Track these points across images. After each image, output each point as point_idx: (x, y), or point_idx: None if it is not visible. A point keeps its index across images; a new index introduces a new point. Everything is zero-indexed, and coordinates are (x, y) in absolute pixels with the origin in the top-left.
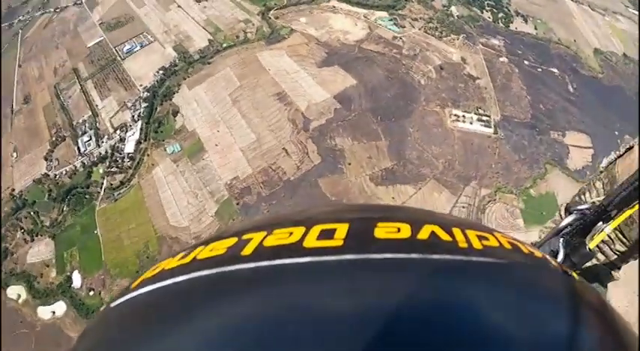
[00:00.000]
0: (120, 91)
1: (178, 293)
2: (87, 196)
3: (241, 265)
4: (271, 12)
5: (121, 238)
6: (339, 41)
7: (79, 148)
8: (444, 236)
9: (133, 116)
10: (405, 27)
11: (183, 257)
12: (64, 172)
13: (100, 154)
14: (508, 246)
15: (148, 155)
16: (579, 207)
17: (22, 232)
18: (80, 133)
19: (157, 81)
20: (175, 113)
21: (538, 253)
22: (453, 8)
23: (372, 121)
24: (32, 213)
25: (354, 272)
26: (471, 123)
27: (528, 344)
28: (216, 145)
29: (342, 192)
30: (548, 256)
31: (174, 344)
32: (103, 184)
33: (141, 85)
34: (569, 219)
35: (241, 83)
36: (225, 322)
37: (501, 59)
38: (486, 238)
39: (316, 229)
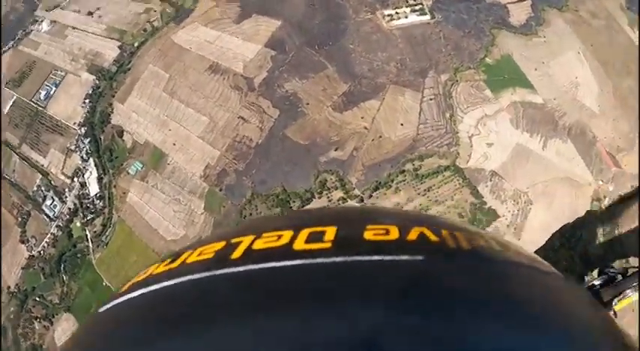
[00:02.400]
0: (57, 139)
1: (168, 297)
2: (79, 256)
3: (231, 268)
4: None
5: (130, 276)
6: None
7: (47, 215)
8: (433, 237)
9: (82, 157)
10: None
11: (171, 262)
12: (45, 245)
13: (70, 209)
14: (497, 246)
15: (115, 186)
16: (612, 270)
17: (39, 321)
18: (41, 200)
19: (87, 111)
20: (120, 133)
21: (527, 253)
22: None
23: (312, 54)
24: (38, 298)
25: (343, 274)
26: (406, 17)
27: (515, 343)
28: (174, 144)
29: (312, 133)
30: (537, 257)
31: (164, 348)
32: (87, 236)
33: (74, 123)
34: (600, 279)
35: (170, 74)
36: (216, 324)
37: None
38: (475, 239)
39: (305, 232)
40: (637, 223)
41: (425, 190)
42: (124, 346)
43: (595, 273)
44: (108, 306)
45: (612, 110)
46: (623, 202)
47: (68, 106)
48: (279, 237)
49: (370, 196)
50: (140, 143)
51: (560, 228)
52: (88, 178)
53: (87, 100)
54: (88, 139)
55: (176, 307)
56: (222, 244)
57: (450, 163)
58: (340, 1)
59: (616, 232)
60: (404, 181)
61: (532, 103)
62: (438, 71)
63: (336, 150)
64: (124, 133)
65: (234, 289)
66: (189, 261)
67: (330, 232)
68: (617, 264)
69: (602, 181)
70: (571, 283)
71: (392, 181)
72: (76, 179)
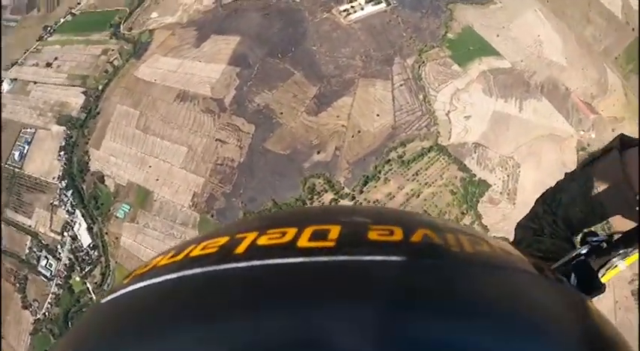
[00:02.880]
0: (40, 197)
1: (170, 290)
2: (84, 310)
3: (234, 263)
4: (121, 28)
5: None
6: (200, 12)
7: (44, 275)
8: (437, 239)
9: (68, 210)
10: None
11: (175, 255)
12: (49, 306)
13: (66, 265)
14: (500, 251)
15: (107, 233)
16: (595, 238)
17: None
18: (35, 262)
19: (64, 164)
20: (102, 179)
21: (529, 259)
22: None
23: (276, 63)
24: None
25: (346, 273)
26: (362, 9)
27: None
28: (157, 179)
29: (291, 141)
30: (541, 263)
31: (164, 343)
32: (88, 288)
33: (54, 178)
34: (584, 249)
35: (139, 110)
36: (217, 319)
37: None
38: (479, 244)
39: (309, 230)
40: (611, 182)
41: (413, 174)
42: (124, 339)
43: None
44: (109, 298)
45: (579, 60)
46: (597, 160)
47: (44, 162)
48: (284, 234)
49: (361, 191)
50: (123, 185)
51: (542, 194)
52: (78, 230)
53: (62, 153)
54: (71, 191)
55: (178, 300)
56: (227, 239)
57: (433, 144)
58: (294, 6)
59: (593, 192)
60: (391, 170)
61: (500, 68)
62: (404, 56)
63: (318, 153)
64: (105, 178)
65: (236, 284)
66: (192, 255)
67: (335, 231)
68: (600, 229)
69: (584, 130)
70: (571, 290)
71: (379, 172)
72: (66, 234)
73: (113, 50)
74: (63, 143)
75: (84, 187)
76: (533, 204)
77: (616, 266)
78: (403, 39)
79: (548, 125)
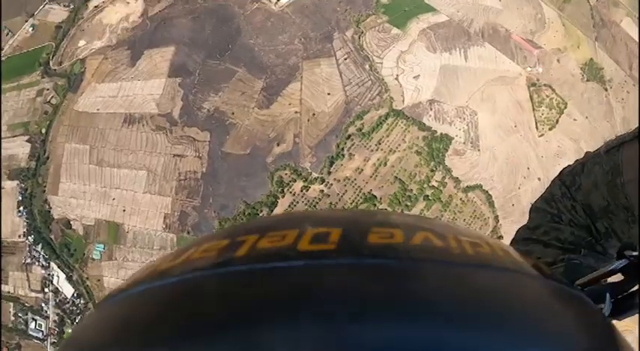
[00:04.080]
0: (11, 260)
1: (170, 293)
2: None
3: (235, 267)
4: (51, 64)
5: None
6: (128, 29)
7: (37, 338)
8: (437, 242)
9: (42, 265)
10: None
11: (175, 258)
12: None
13: (55, 321)
14: (501, 253)
15: (87, 278)
16: (634, 253)
17: None
18: (24, 327)
19: (26, 219)
20: (68, 225)
21: (529, 262)
22: None
23: (217, 64)
24: None
25: (348, 276)
26: None
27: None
28: (124, 210)
29: (249, 139)
30: (542, 265)
31: (165, 346)
32: None
33: (20, 236)
34: (620, 264)
35: (89, 144)
36: (217, 323)
37: None
38: (479, 245)
39: (310, 233)
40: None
41: (376, 144)
42: (124, 344)
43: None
44: (109, 301)
45: (513, 0)
46: (625, 145)
47: (5, 222)
48: (284, 237)
49: (329, 172)
50: (91, 225)
51: (560, 174)
52: (58, 282)
53: (21, 208)
54: (40, 245)
55: (179, 303)
56: (227, 242)
57: (389, 110)
58: (223, 2)
59: (619, 180)
60: (353, 145)
61: (439, 23)
62: (342, 30)
63: (278, 145)
64: (71, 222)
65: (237, 288)
66: (193, 258)
67: (335, 234)
68: (624, 223)
69: (530, 67)
70: (574, 293)
71: (342, 150)
72: (47, 290)
73: (48, 89)
74: (20, 198)
75: (52, 237)
76: (550, 183)
77: None
78: (338, 13)
79: (496, 68)
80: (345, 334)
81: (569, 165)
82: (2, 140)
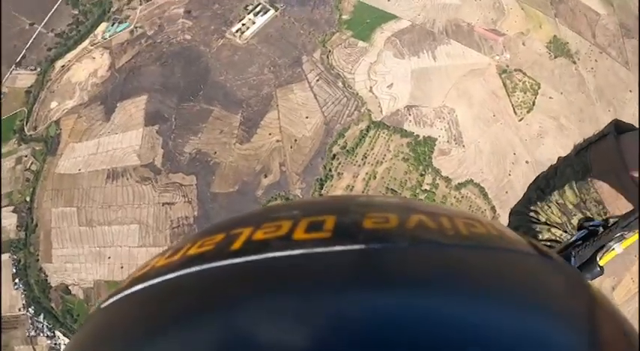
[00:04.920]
0: (14, 334)
1: (169, 290)
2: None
3: (231, 260)
4: (26, 130)
5: None
6: (98, 84)
7: None
8: (431, 224)
9: (47, 335)
10: (130, 16)
11: (172, 255)
12: None
13: None
14: (495, 232)
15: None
16: (592, 223)
17: None
18: None
19: (24, 290)
20: (67, 290)
21: (526, 241)
22: None
23: (191, 106)
24: None
25: (342, 262)
26: (254, 22)
27: (512, 333)
28: (121, 267)
29: (236, 175)
30: (537, 243)
31: (166, 344)
32: None
33: (19, 309)
34: (581, 234)
35: (76, 206)
36: (216, 316)
37: None
38: (473, 226)
39: (304, 222)
40: (607, 167)
41: (362, 159)
42: (126, 343)
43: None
44: (108, 302)
45: None
46: (593, 145)
47: (3, 297)
48: (279, 227)
49: (320, 195)
50: (91, 287)
51: (535, 180)
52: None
53: (17, 280)
54: (42, 316)
55: (177, 300)
56: (222, 235)
57: (369, 123)
58: (187, 44)
59: (588, 177)
60: (340, 163)
61: (402, 29)
62: (309, 52)
63: (265, 177)
64: (70, 287)
65: (235, 280)
66: (189, 253)
67: (330, 222)
68: (596, 214)
69: (498, 55)
70: (572, 269)
71: (330, 170)
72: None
73: (26, 156)
74: (14, 270)
75: (53, 305)
76: (526, 190)
77: (613, 249)
78: (302, 36)
79: (465, 63)
80: (333, 307)
81: (542, 171)
82: None
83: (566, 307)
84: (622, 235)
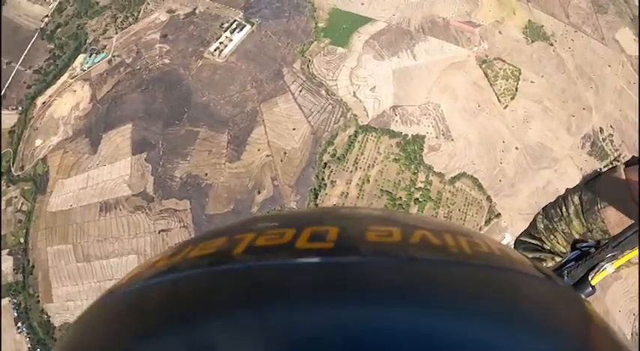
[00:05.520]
0: None
1: (167, 291)
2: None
3: (232, 264)
4: (12, 170)
5: None
6: (81, 117)
7: None
8: (435, 240)
9: None
10: (106, 45)
11: (172, 256)
12: None
13: None
14: (498, 252)
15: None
16: (584, 244)
17: None
18: None
19: (27, 333)
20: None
21: (527, 262)
22: None
23: (177, 130)
24: None
25: (344, 274)
26: (231, 40)
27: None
28: None
29: (229, 195)
30: (540, 265)
31: (161, 344)
32: None
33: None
34: (574, 255)
35: (72, 243)
36: (220, 321)
37: None
38: (477, 244)
39: (307, 231)
40: (614, 198)
41: (353, 164)
42: (122, 341)
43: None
44: (106, 300)
45: None
46: (601, 176)
47: (7, 342)
48: (282, 235)
49: (316, 204)
50: None
51: (543, 208)
52: None
53: (19, 324)
54: None
55: (175, 301)
56: (224, 239)
57: (356, 128)
58: (167, 68)
59: (596, 207)
60: (332, 171)
61: (379, 31)
62: (289, 64)
63: (259, 193)
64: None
65: (233, 285)
66: (190, 256)
67: (333, 232)
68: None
69: (476, 46)
70: (572, 293)
71: (322, 179)
72: None
73: (16, 197)
74: (15, 314)
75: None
76: (532, 219)
77: (604, 269)
78: (281, 49)
79: (444, 58)
80: (332, 318)
81: (549, 202)
82: None
83: (566, 330)
84: (614, 255)
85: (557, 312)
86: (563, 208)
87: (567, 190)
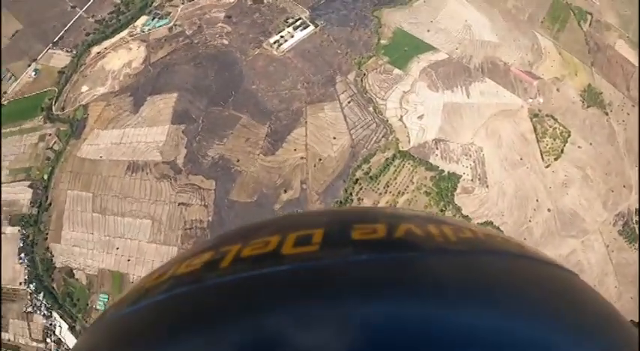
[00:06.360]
0: (11, 307)
1: (156, 312)
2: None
3: (220, 278)
4: (53, 109)
5: None
6: (131, 75)
7: None
8: (420, 232)
9: (44, 314)
10: (171, 13)
11: (160, 276)
12: None
13: None
14: (483, 237)
15: (90, 325)
16: None
17: None
18: None
19: (28, 266)
20: (71, 274)
21: (514, 242)
22: None
23: (220, 110)
24: None
25: (332, 275)
26: (292, 36)
27: (498, 331)
28: (129, 260)
29: (256, 186)
30: (525, 245)
31: None
32: None
33: (20, 284)
34: None
35: (92, 192)
36: (209, 337)
37: None
38: (461, 231)
39: (292, 237)
40: None
41: (384, 187)
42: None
43: None
44: (98, 325)
45: (509, 33)
46: None
47: (5, 268)
48: (267, 243)
49: None
50: (95, 275)
51: None
52: (60, 332)
53: (22, 255)
54: (42, 294)
55: (165, 321)
56: (211, 253)
57: (395, 152)
58: (224, 49)
59: None
60: (361, 189)
61: (439, 61)
62: (344, 73)
63: (285, 192)
64: (74, 271)
65: (225, 299)
66: (178, 273)
67: (318, 235)
68: None
69: (531, 98)
70: (563, 271)
71: (350, 194)
72: (48, 340)
73: (50, 135)
74: (21, 244)
75: (54, 286)
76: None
77: None
78: (339, 56)
79: (498, 102)
80: (323, 321)
81: None
82: (3, 185)
83: (553, 306)
84: None
85: (547, 292)
86: None
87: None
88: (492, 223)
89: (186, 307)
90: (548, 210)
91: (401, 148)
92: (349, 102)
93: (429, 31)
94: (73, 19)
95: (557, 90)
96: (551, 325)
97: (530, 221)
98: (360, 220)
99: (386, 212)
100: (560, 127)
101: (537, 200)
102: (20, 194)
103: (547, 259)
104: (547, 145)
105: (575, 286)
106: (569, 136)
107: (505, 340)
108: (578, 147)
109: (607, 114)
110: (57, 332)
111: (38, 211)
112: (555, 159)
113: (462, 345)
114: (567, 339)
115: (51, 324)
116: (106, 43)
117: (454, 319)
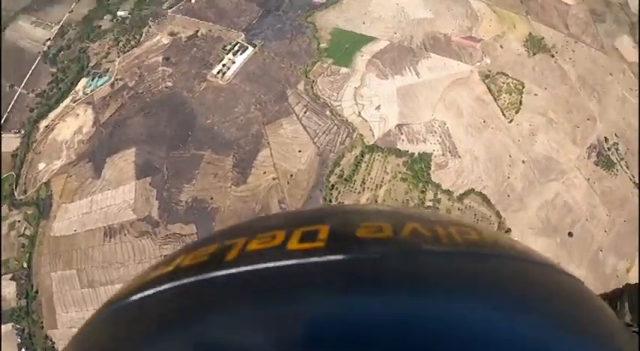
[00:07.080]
0: None
1: (161, 302)
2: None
3: (226, 270)
4: (15, 195)
5: None
6: (84, 141)
7: None
8: (426, 232)
9: None
10: (109, 69)
11: (166, 265)
12: None
13: None
14: (489, 239)
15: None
16: (633, 330)
17: None
18: None
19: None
20: None
21: (519, 246)
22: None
23: (182, 154)
24: None
25: (338, 273)
26: (234, 62)
27: (501, 334)
28: None
29: (236, 218)
30: (529, 249)
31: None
32: None
33: None
34: None
35: (76, 268)
36: (210, 329)
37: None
38: (467, 233)
39: (298, 232)
40: None
41: (361, 185)
42: (131, 342)
43: None
44: (104, 314)
45: (442, 5)
46: None
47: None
48: (273, 237)
49: None
50: None
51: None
52: None
53: (23, 350)
54: None
55: (170, 311)
56: (216, 246)
57: (362, 148)
58: (170, 91)
59: None
60: (339, 192)
61: (382, 49)
62: (293, 85)
63: None
64: None
65: (230, 291)
66: (183, 264)
67: (324, 231)
68: None
69: (478, 61)
70: (566, 276)
71: (330, 201)
72: None
73: (19, 221)
74: (19, 340)
75: None
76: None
77: None
78: (284, 70)
79: (448, 74)
80: (324, 316)
81: (605, 293)
82: None
83: (558, 309)
84: None
85: (544, 292)
86: (619, 302)
87: (626, 285)
88: (474, 189)
89: (191, 297)
90: (523, 162)
91: (367, 143)
92: (305, 112)
93: (364, 23)
94: (14, 99)
95: (501, 47)
96: (555, 329)
97: (509, 178)
98: (367, 219)
99: (392, 211)
100: (513, 81)
101: (510, 156)
102: (5, 289)
103: (555, 265)
104: (505, 101)
105: (582, 292)
106: (523, 87)
107: (510, 341)
108: (535, 95)
109: (553, 56)
110: None
111: (27, 302)
112: (516, 112)
113: (469, 347)
114: (572, 343)
115: None
116: (52, 115)
117: (459, 320)
